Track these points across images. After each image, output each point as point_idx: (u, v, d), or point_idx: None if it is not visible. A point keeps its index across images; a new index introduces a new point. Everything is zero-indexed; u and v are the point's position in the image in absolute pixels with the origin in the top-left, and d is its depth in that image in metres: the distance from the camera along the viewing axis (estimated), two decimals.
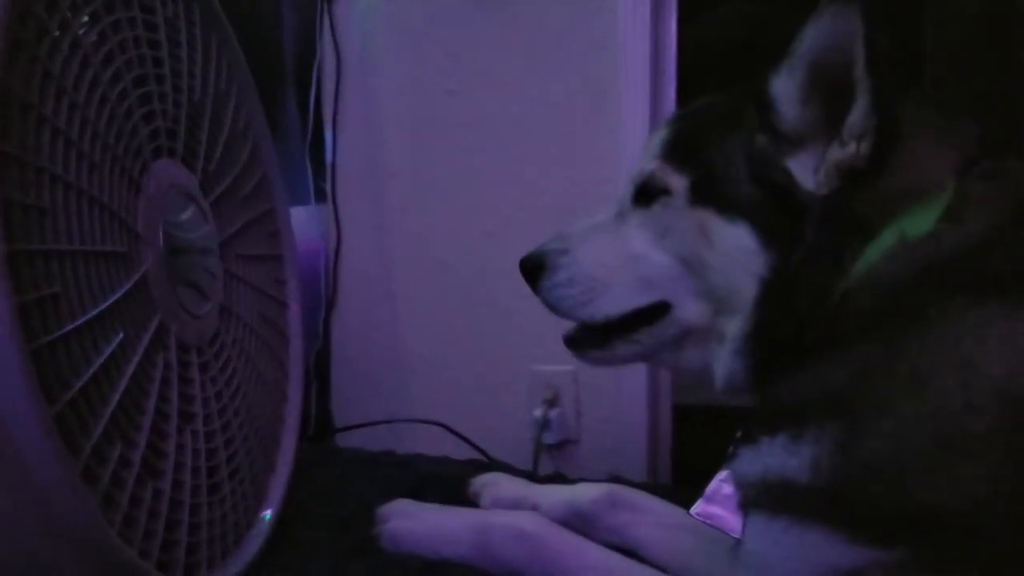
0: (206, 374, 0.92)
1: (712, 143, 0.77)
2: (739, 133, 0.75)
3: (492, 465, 1.39)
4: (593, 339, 0.86)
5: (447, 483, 1.19)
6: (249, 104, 1.10)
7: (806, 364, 0.68)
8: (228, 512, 0.92)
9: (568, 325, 0.90)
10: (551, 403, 1.62)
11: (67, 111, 0.71)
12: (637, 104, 1.54)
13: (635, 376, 1.54)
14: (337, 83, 1.74)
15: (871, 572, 0.59)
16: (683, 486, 1.20)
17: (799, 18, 0.70)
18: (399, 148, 1.73)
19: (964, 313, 0.61)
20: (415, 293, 1.74)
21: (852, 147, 0.69)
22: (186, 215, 0.92)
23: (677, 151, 0.80)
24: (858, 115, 0.68)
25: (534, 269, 0.88)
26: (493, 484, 1.14)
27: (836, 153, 0.70)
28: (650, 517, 0.99)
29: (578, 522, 0.98)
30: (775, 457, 0.66)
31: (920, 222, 0.67)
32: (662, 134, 0.83)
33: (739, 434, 0.73)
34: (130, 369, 0.75)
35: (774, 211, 0.72)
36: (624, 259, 0.82)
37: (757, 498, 0.68)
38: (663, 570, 0.88)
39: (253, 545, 0.96)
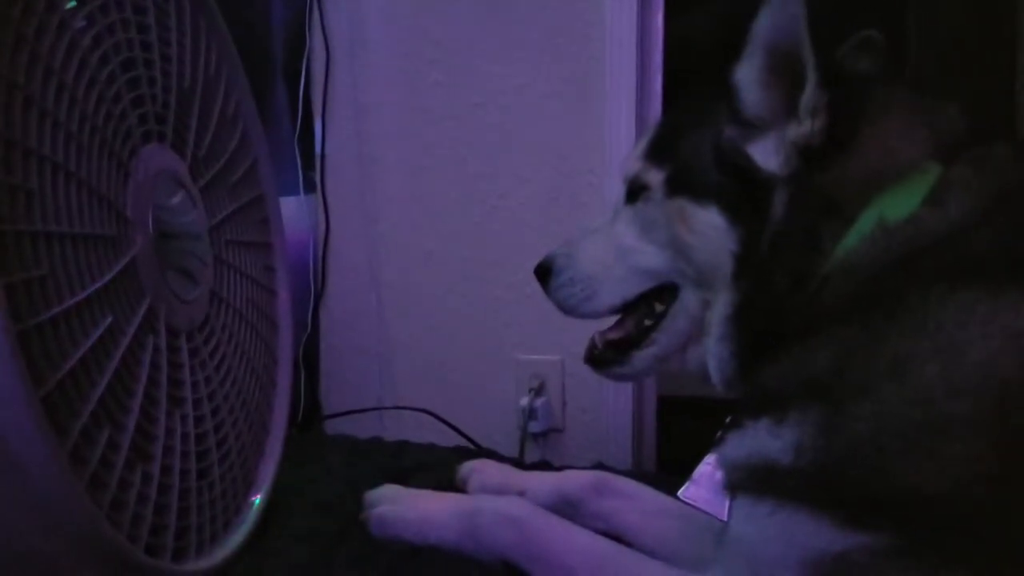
0: (196, 359, 0.92)
1: (685, 139, 0.83)
2: (709, 126, 0.79)
3: (479, 452, 1.39)
4: (612, 355, 0.90)
5: (434, 469, 1.20)
6: (239, 90, 1.09)
7: (789, 349, 0.69)
8: (217, 497, 0.92)
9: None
10: (537, 392, 1.63)
11: (55, 92, 0.70)
12: (623, 95, 1.55)
13: None
14: (326, 74, 1.75)
15: (857, 556, 0.59)
16: (667, 475, 1.21)
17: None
18: (387, 139, 1.74)
19: (946, 298, 0.61)
20: (403, 283, 1.75)
21: (807, 124, 0.71)
22: (175, 200, 0.92)
23: (656, 150, 0.85)
24: (809, 92, 0.70)
25: (543, 274, 0.93)
26: (480, 470, 1.14)
27: (792, 131, 0.72)
28: (636, 503, 1.00)
29: (565, 508, 0.99)
30: (759, 440, 0.66)
31: (900, 205, 0.68)
32: (646, 137, 0.88)
33: (727, 420, 0.74)
34: (119, 352, 0.75)
35: (738, 192, 0.75)
36: (616, 254, 0.87)
37: (742, 481, 0.69)
38: (649, 555, 0.88)
39: (242, 530, 0.96)
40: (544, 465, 1.36)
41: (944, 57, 1.70)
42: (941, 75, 1.65)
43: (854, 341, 0.64)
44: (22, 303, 0.64)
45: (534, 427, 1.62)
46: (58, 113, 0.71)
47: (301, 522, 1.04)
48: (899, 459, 0.59)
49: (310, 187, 1.79)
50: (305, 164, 1.78)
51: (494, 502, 0.94)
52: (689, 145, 0.81)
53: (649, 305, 0.86)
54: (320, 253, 1.79)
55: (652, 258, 0.84)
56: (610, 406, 1.60)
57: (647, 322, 0.87)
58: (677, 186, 0.81)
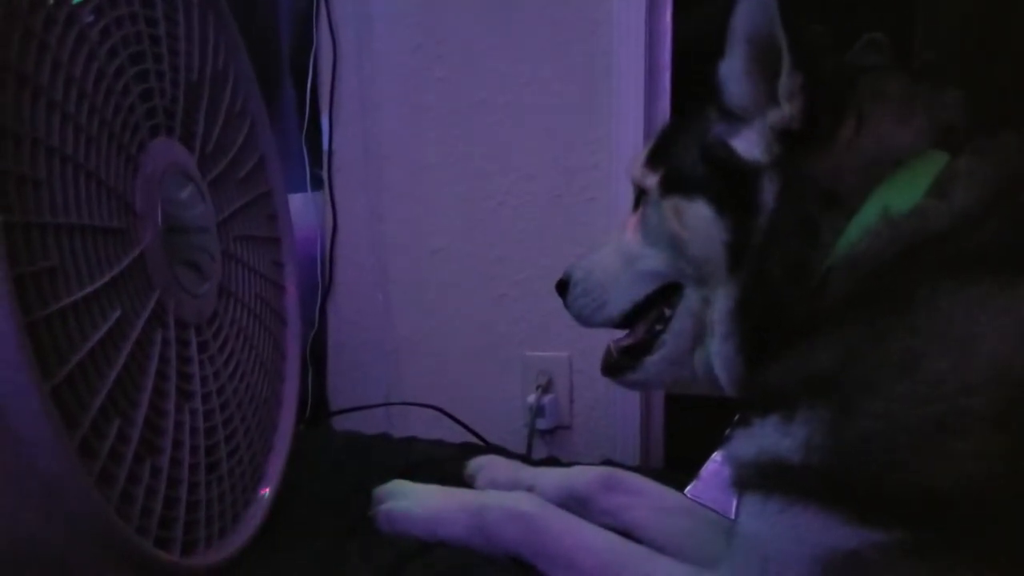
0: (205, 353, 0.92)
1: (677, 141, 0.84)
2: (699, 126, 0.80)
3: (487, 448, 1.39)
4: (626, 361, 0.91)
5: (442, 465, 1.20)
6: (246, 85, 1.09)
7: (794, 345, 0.68)
8: (226, 491, 0.92)
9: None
10: (545, 389, 1.63)
11: (63, 84, 0.70)
12: (630, 91, 1.54)
13: None
14: (333, 71, 1.74)
15: (868, 553, 0.59)
16: (675, 472, 1.20)
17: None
18: (394, 136, 1.74)
19: (955, 292, 0.60)
20: (410, 279, 1.75)
21: (786, 108, 0.71)
22: (184, 194, 0.92)
23: (654, 155, 0.86)
24: (784, 76, 0.70)
25: (562, 287, 0.95)
26: (488, 466, 1.14)
27: (772, 116, 0.73)
28: (645, 500, 1.00)
29: (573, 504, 0.99)
30: (768, 438, 0.66)
31: (903, 196, 0.67)
32: (649, 145, 0.90)
33: (736, 418, 0.74)
34: (128, 345, 0.75)
35: (724, 183, 0.76)
36: (623, 260, 0.88)
37: (751, 479, 0.68)
38: (658, 552, 0.88)
39: (251, 524, 0.96)
40: (552, 461, 1.35)
41: (959, 46, 1.68)
42: (957, 64, 1.64)
43: (862, 337, 0.63)
44: (31, 295, 0.64)
45: (542, 424, 1.61)
46: (67, 106, 0.71)
47: (309, 518, 1.04)
48: (910, 456, 0.58)
49: (317, 184, 1.79)
50: (312, 161, 1.79)
51: (502, 498, 0.94)
52: (681, 146, 0.83)
53: (660, 311, 0.87)
54: (327, 249, 1.79)
55: (653, 259, 0.84)
56: (618, 403, 1.60)
57: (657, 327, 0.87)
58: (670, 185, 0.82)
